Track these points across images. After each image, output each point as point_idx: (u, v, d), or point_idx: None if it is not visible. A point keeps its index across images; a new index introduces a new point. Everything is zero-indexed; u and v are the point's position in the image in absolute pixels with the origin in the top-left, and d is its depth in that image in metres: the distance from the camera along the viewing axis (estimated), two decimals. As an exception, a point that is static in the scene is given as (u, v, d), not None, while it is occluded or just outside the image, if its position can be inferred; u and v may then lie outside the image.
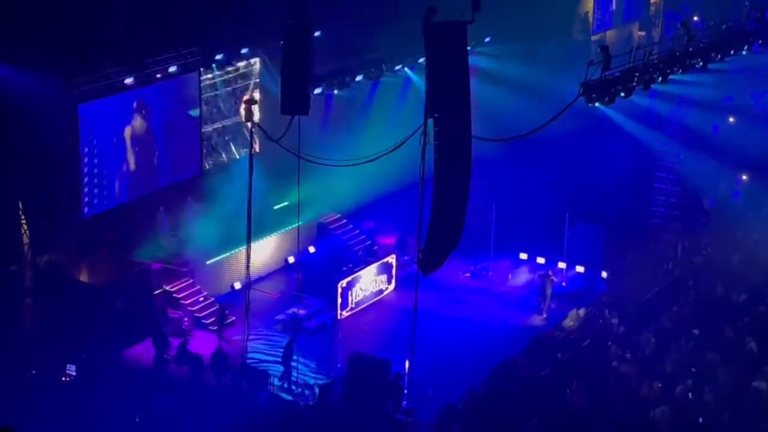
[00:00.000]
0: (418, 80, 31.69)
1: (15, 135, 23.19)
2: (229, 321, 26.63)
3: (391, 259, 29.76)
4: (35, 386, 22.71)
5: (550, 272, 28.98)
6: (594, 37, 39.55)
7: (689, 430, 20.66)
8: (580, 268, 30.36)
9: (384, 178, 28.35)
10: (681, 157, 32.49)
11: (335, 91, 30.64)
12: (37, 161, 23.89)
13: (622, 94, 21.55)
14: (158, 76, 26.15)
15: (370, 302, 28.90)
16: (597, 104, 21.26)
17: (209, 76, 28.60)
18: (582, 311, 27.01)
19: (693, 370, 22.55)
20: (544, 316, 28.32)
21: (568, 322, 26.66)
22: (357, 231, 32.57)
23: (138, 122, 26.33)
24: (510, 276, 30.88)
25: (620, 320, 25.63)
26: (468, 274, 30.71)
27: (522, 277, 30.86)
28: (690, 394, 21.66)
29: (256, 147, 25.21)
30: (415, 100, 18.40)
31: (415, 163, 18.84)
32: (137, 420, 21.56)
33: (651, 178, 32.76)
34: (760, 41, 30.25)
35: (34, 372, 23.25)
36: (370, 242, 32.01)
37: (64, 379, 23.38)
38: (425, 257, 19.39)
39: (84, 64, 23.79)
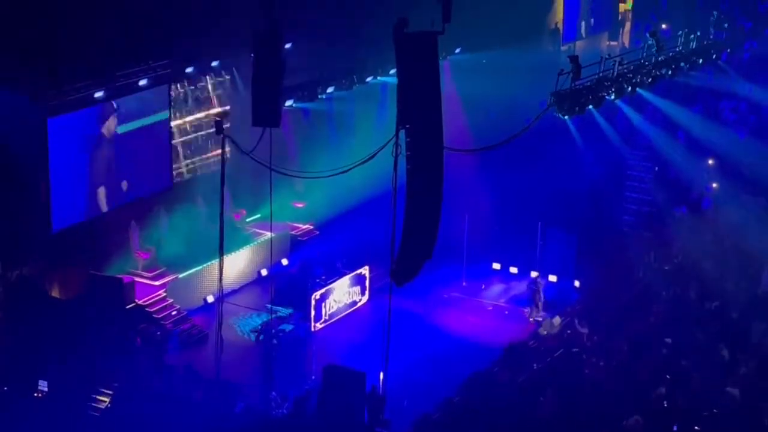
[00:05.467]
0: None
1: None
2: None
3: (365, 270, 29.70)
4: (7, 402, 22.47)
5: (538, 278, 29.06)
6: (563, 48, 39.78)
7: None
8: (552, 278, 30.44)
9: (357, 189, 28.31)
10: (656, 168, 32.66)
11: (307, 104, 30.59)
12: (6, 175, 23.71)
13: (591, 106, 21.71)
14: (128, 89, 26.03)
15: (344, 314, 28.85)
16: (565, 117, 21.42)
17: (180, 89, 28.50)
18: (557, 320, 27.06)
19: (667, 377, 22.63)
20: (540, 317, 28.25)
21: (542, 332, 26.73)
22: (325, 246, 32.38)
23: (108, 135, 26.18)
24: (483, 286, 30.90)
25: (592, 328, 25.70)
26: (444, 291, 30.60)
27: (496, 287, 30.89)
28: (664, 402, 21.73)
29: (228, 160, 25.13)
30: (393, 111, 18.51)
31: (388, 174, 18.85)
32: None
33: (622, 186, 32.92)
34: (728, 50, 30.59)
35: (5, 388, 23.02)
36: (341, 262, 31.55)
37: (36, 394, 23.16)
38: (399, 268, 19.38)
39: (53, 77, 23.63)
